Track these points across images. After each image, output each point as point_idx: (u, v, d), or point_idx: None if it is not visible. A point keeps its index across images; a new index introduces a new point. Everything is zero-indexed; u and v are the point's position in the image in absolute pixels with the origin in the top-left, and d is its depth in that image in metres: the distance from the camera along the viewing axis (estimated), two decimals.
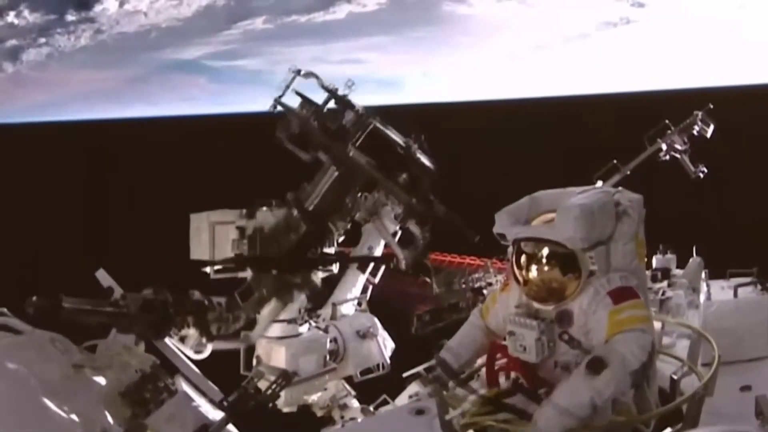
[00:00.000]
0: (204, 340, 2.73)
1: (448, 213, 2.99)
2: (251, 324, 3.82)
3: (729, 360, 3.44)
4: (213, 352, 3.10)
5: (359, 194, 5.09)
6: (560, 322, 2.69)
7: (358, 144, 4.43)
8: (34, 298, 2.36)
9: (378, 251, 4.98)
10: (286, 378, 3.09)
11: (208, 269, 4.15)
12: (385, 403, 4.81)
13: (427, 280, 5.96)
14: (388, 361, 4.53)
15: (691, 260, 6.59)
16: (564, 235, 2.68)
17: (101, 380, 2.44)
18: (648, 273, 5.22)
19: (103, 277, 2.63)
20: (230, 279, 4.16)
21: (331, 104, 4.31)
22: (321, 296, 4.24)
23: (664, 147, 7.88)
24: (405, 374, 4.00)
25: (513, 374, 2.78)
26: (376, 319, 4.39)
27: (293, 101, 4.31)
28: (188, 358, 2.80)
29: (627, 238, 2.80)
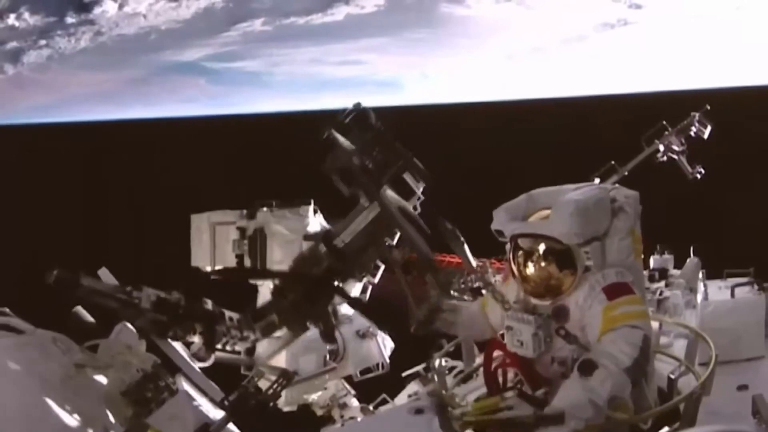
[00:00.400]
0: (205, 350, 2.75)
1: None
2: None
3: (726, 359, 3.48)
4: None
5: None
6: (557, 318, 2.74)
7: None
8: (56, 270, 2.37)
9: None
10: (286, 377, 3.10)
11: (208, 268, 4.15)
12: (384, 402, 4.84)
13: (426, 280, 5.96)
14: (388, 360, 4.54)
15: (688, 260, 6.63)
16: (559, 230, 2.73)
17: (103, 380, 2.44)
18: (645, 273, 5.25)
19: (105, 275, 2.63)
20: (231, 279, 4.17)
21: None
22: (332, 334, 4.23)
23: (661, 148, 7.93)
24: (404, 374, 4.02)
25: (512, 374, 2.79)
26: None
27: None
28: (188, 356, 2.80)
29: (623, 233, 2.83)
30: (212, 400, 2.71)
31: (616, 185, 3.20)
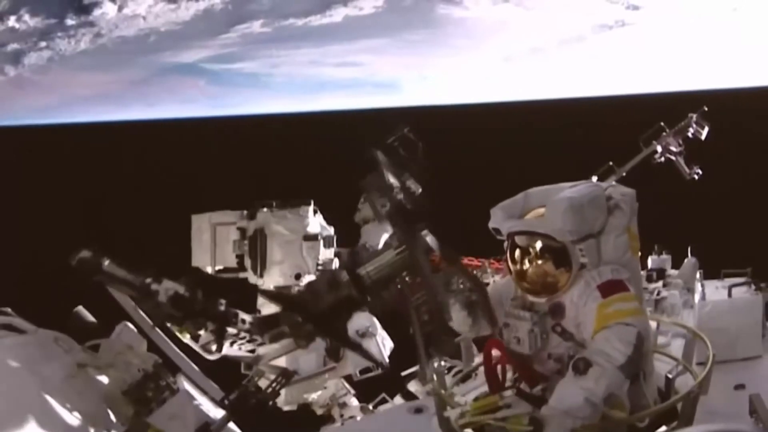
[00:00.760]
0: (214, 347, 2.76)
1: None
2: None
3: (723, 359, 3.50)
4: None
5: (363, 197, 5.13)
6: (553, 315, 2.76)
7: None
8: (81, 251, 2.36)
9: None
10: (286, 377, 3.11)
11: (208, 268, 4.16)
12: (384, 401, 4.86)
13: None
14: (387, 360, 4.55)
15: (686, 261, 6.66)
16: (553, 227, 2.73)
17: (104, 379, 2.45)
18: (643, 273, 5.27)
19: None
20: (232, 279, 4.18)
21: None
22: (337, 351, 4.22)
23: (659, 149, 7.95)
24: (404, 373, 4.03)
25: (511, 372, 2.80)
26: (375, 319, 4.40)
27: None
28: (190, 357, 2.81)
29: (619, 231, 2.82)
30: (212, 400, 2.73)
31: (613, 183, 3.22)
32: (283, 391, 3.48)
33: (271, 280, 4.22)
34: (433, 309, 2.42)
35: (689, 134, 8.00)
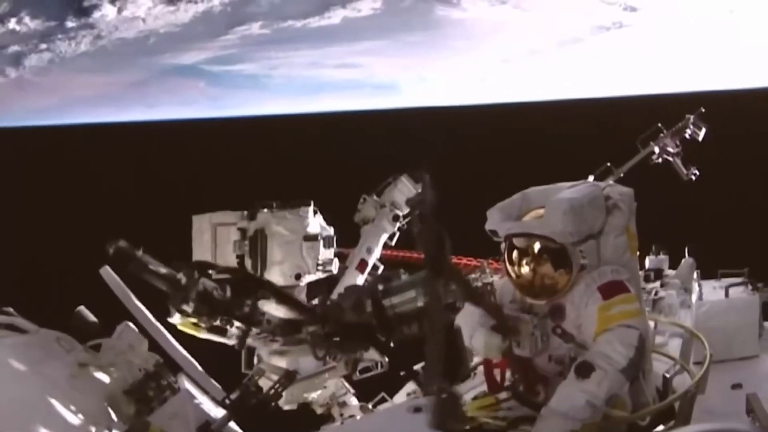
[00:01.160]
0: (237, 343, 2.79)
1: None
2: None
3: (720, 359, 3.52)
4: (214, 352, 3.13)
5: (362, 198, 5.15)
6: (553, 317, 2.73)
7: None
8: (118, 241, 2.40)
9: (377, 253, 5.03)
10: (288, 378, 3.12)
11: (210, 271, 4.17)
12: (383, 400, 4.87)
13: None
14: (387, 359, 4.56)
15: (683, 261, 6.70)
16: (553, 229, 2.68)
17: (105, 378, 2.46)
18: (641, 273, 5.29)
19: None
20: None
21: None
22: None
23: (656, 150, 8.00)
24: (403, 372, 4.03)
25: (509, 376, 2.79)
26: None
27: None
28: (191, 356, 2.82)
29: (618, 231, 2.80)
30: (214, 399, 2.73)
31: (611, 182, 3.22)
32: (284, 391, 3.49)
33: (271, 280, 4.23)
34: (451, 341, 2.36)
35: (686, 135, 8.05)
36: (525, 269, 2.76)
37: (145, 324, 2.67)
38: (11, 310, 2.43)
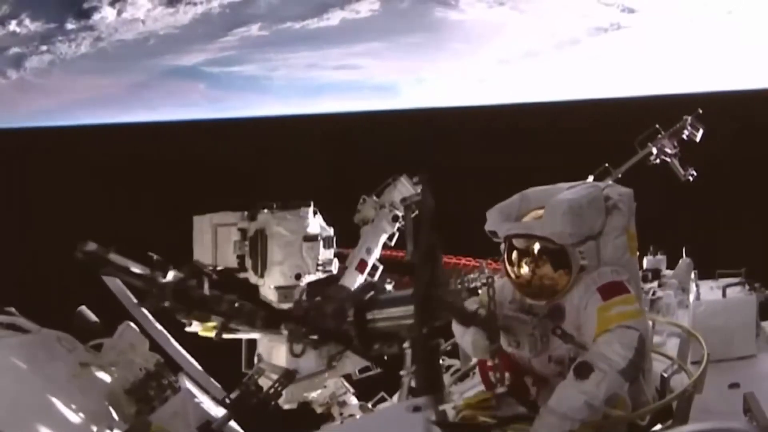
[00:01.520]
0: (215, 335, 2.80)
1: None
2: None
3: (718, 358, 3.54)
4: (215, 351, 3.15)
5: (362, 199, 5.17)
6: (553, 318, 2.72)
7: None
8: (89, 242, 2.37)
9: (376, 253, 5.05)
10: (288, 377, 3.13)
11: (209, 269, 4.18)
12: (383, 400, 4.89)
13: None
14: (386, 359, 4.57)
15: (680, 261, 6.73)
16: (552, 230, 2.67)
17: (107, 378, 2.47)
18: (639, 273, 5.31)
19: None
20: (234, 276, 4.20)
21: None
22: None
23: (654, 151, 8.02)
24: (402, 372, 4.04)
25: (507, 377, 2.77)
26: None
27: None
28: (191, 356, 2.83)
29: (618, 231, 2.80)
30: (214, 398, 2.74)
31: (610, 183, 3.21)
32: (283, 390, 3.50)
33: (271, 281, 4.26)
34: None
35: (684, 136, 8.08)
36: (524, 270, 2.75)
37: (146, 324, 2.68)
38: (13, 310, 2.44)
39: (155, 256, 2.50)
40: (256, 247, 4.19)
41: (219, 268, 4.20)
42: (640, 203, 3.00)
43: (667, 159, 8.05)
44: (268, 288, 4.25)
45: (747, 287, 5.48)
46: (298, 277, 4.25)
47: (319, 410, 4.64)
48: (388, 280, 3.41)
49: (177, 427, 2.37)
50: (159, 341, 2.72)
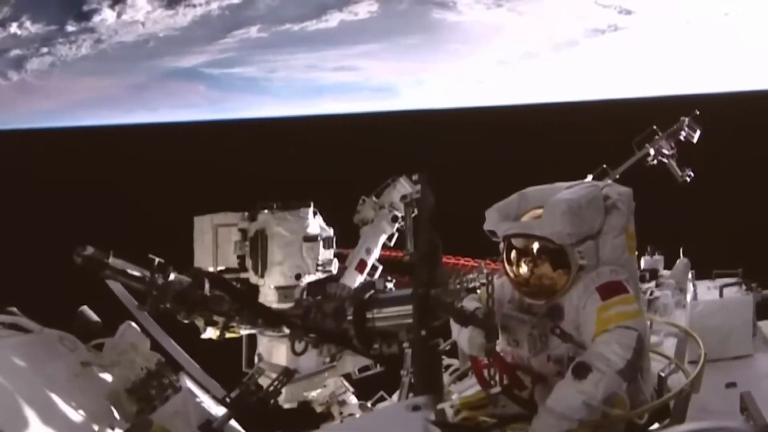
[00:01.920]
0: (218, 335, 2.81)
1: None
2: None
3: (715, 358, 3.56)
4: (215, 351, 3.16)
5: (362, 199, 5.19)
6: (551, 317, 2.72)
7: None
8: (88, 247, 2.37)
9: (376, 253, 5.07)
10: (287, 375, 3.14)
11: (210, 269, 4.20)
12: (382, 399, 4.90)
13: None
14: (386, 358, 4.59)
15: (678, 261, 6.76)
16: (551, 230, 2.67)
17: (108, 378, 2.48)
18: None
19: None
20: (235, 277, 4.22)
21: None
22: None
23: (651, 152, 8.06)
24: (402, 372, 4.06)
25: (498, 377, 2.77)
26: None
27: None
28: (192, 355, 2.85)
29: (617, 231, 2.79)
30: (215, 397, 2.75)
31: (609, 182, 3.20)
32: (283, 389, 3.52)
33: (271, 281, 4.27)
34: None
35: (681, 137, 8.12)
36: (523, 269, 2.75)
37: (147, 324, 2.69)
38: (15, 309, 2.45)
39: (156, 259, 2.51)
40: (256, 247, 4.20)
41: (220, 268, 4.21)
42: (637, 204, 2.99)
43: (665, 160, 8.09)
44: (269, 288, 4.26)
45: (744, 287, 5.52)
46: (298, 277, 4.27)
47: (318, 409, 4.65)
48: (389, 278, 3.41)
49: (178, 426, 2.38)
50: (160, 341, 2.73)
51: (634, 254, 2.97)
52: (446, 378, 3.81)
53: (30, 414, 2.14)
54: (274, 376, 3.41)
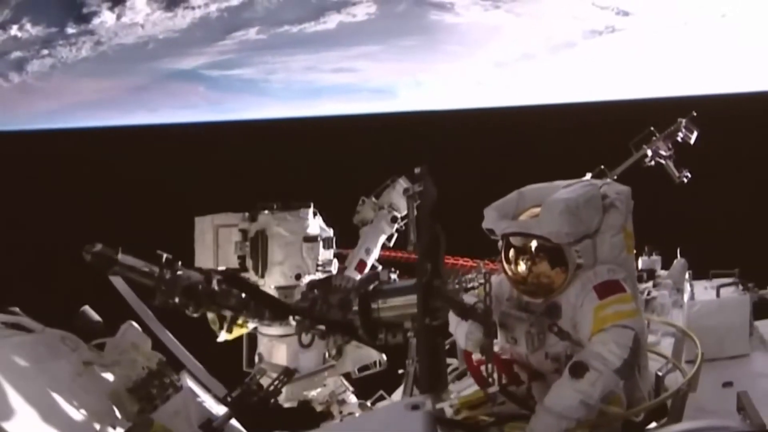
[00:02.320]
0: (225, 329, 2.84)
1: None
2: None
3: (712, 357, 3.57)
4: (216, 350, 3.18)
5: (361, 200, 5.21)
6: (549, 315, 2.72)
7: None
8: (97, 244, 2.40)
9: (375, 253, 5.09)
10: (287, 375, 3.16)
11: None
12: (382, 398, 4.91)
13: None
14: (385, 358, 4.61)
15: (675, 261, 6.78)
16: (549, 229, 2.68)
17: (110, 377, 2.49)
18: None
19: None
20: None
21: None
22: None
23: (649, 153, 8.09)
24: (401, 371, 4.08)
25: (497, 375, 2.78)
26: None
27: None
28: (193, 355, 2.86)
29: (615, 230, 2.80)
30: (215, 397, 2.77)
31: (608, 181, 3.20)
32: (284, 389, 3.54)
33: (272, 281, 4.29)
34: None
35: (678, 139, 8.16)
36: (521, 267, 2.76)
37: (149, 323, 2.70)
38: (17, 309, 2.46)
39: (164, 255, 2.53)
40: (256, 247, 4.22)
41: (220, 268, 4.23)
42: (635, 205, 3.00)
43: (662, 161, 8.13)
44: (269, 288, 4.28)
45: (740, 287, 5.55)
46: (298, 277, 4.28)
47: (318, 409, 4.66)
48: (393, 269, 3.42)
49: (179, 425, 2.40)
50: (162, 339, 2.74)
51: (632, 253, 2.96)
52: None
53: (32, 413, 2.15)
54: (274, 375, 3.42)
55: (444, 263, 2.63)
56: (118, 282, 2.64)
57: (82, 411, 2.28)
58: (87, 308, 2.65)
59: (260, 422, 2.93)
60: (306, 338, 3.20)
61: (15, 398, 2.14)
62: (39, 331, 2.41)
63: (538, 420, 2.49)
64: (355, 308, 2.62)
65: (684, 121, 8.21)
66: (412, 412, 2.14)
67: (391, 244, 5.25)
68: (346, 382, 4.73)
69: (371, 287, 2.69)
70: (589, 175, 6.93)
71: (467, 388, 3.61)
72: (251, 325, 3.32)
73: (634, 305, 2.73)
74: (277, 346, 4.10)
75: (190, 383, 2.67)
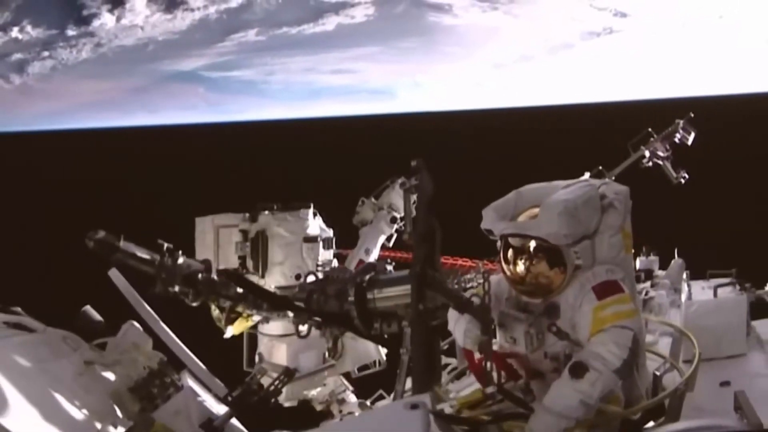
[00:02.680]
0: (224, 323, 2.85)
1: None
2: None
3: (709, 357, 3.58)
4: (217, 350, 3.19)
5: (361, 201, 5.25)
6: (548, 315, 2.72)
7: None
8: (100, 231, 2.41)
9: (375, 253, 5.11)
10: (288, 375, 3.17)
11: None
12: (381, 397, 4.92)
13: None
14: (384, 357, 4.63)
15: (672, 262, 6.80)
16: (547, 230, 2.69)
17: (111, 376, 2.50)
18: None
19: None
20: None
21: None
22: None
23: (647, 154, 8.13)
24: (401, 350, 4.09)
25: (496, 376, 2.79)
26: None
27: None
28: (194, 354, 2.87)
29: (613, 230, 2.81)
30: (216, 396, 2.78)
31: (607, 181, 3.20)
32: (284, 388, 3.55)
33: (272, 281, 4.31)
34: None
35: (676, 139, 8.20)
36: (520, 268, 2.76)
37: (151, 323, 2.71)
38: (19, 309, 2.47)
39: (165, 244, 2.55)
40: (257, 247, 4.25)
41: (220, 268, 4.24)
42: (633, 205, 3.01)
43: (660, 162, 8.17)
44: (269, 288, 4.29)
45: (738, 287, 5.57)
46: (298, 277, 4.30)
47: (318, 408, 4.68)
48: (389, 260, 3.45)
49: (179, 425, 2.40)
50: (163, 339, 2.75)
51: (630, 253, 2.97)
52: (444, 377, 3.84)
53: (33, 412, 2.15)
54: (274, 375, 3.44)
55: (441, 258, 2.64)
56: (119, 281, 2.65)
57: (84, 410, 2.29)
58: (88, 308, 2.66)
59: (260, 421, 2.94)
60: (303, 329, 3.21)
61: (16, 398, 2.14)
62: (40, 331, 2.42)
63: (537, 419, 2.50)
64: (351, 298, 2.63)
65: (681, 122, 8.25)
66: (412, 411, 2.15)
67: (391, 244, 5.27)
68: (345, 382, 4.75)
69: (367, 277, 2.71)
70: (587, 176, 6.96)
71: (466, 387, 3.62)
72: (256, 318, 3.33)
73: (633, 305, 2.74)
74: (277, 346, 4.11)
75: (191, 383, 2.67)
